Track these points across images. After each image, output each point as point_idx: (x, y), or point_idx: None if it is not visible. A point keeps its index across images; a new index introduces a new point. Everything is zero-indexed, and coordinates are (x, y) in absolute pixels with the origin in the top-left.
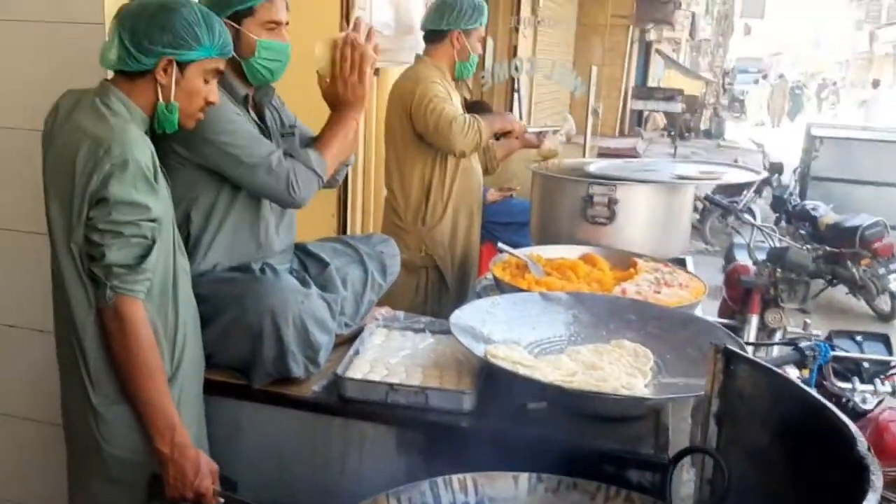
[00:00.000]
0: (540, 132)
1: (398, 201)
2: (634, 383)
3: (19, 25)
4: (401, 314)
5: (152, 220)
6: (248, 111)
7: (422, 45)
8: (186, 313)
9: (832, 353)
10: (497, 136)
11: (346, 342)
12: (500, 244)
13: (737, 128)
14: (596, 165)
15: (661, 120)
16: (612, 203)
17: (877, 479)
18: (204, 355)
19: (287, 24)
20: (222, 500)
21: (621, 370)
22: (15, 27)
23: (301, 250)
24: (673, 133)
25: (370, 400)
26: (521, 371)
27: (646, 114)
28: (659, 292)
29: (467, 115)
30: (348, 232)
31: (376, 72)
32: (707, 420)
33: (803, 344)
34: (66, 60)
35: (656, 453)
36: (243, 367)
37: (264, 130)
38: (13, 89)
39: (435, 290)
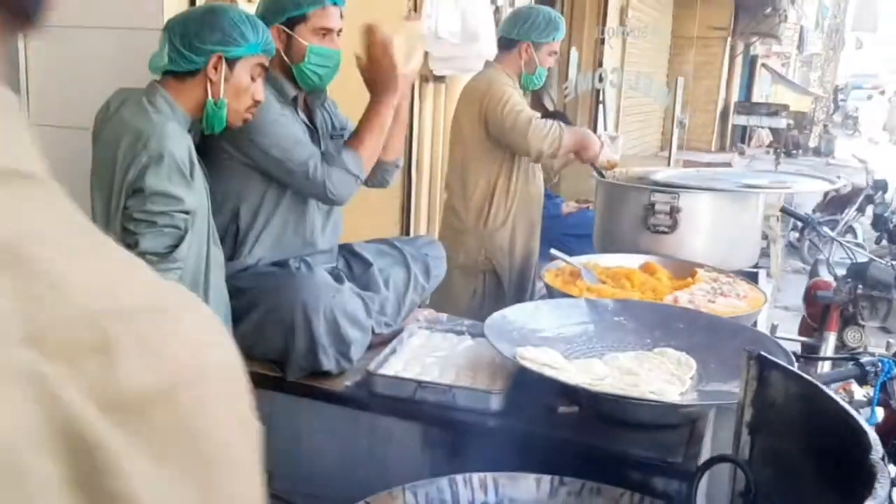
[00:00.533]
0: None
1: (460, 202)
2: (668, 390)
3: (88, 32)
4: (444, 316)
5: (185, 212)
6: (296, 111)
7: (488, 53)
8: (218, 304)
9: None
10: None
11: (386, 342)
12: (552, 250)
13: (849, 145)
14: (662, 174)
15: (767, 137)
16: (674, 211)
17: (881, 488)
18: (240, 347)
19: (340, 31)
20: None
21: (659, 378)
22: (84, 33)
23: (346, 250)
24: (777, 149)
25: (399, 396)
26: (548, 373)
27: (749, 130)
28: (713, 302)
29: (548, 120)
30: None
31: (441, 79)
32: (739, 429)
33: (865, 359)
34: (129, 65)
35: (685, 462)
36: (279, 359)
37: (313, 132)
38: (80, 91)
39: (492, 296)
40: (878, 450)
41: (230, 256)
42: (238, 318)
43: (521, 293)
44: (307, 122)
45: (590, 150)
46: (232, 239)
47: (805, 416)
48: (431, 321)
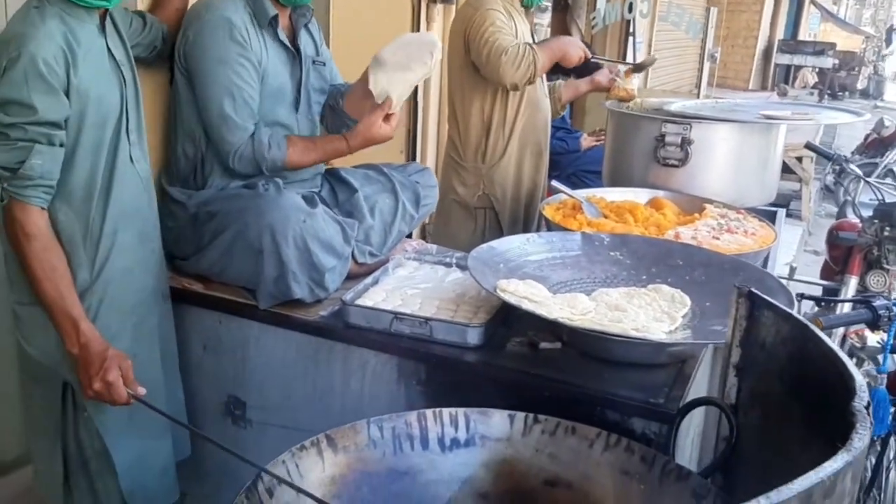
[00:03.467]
0: (611, 68)
1: (458, 136)
2: (653, 327)
3: None
4: (433, 247)
5: (44, 124)
6: (276, 33)
7: None
8: (121, 223)
9: None
10: (569, 73)
11: (371, 272)
12: (553, 182)
13: None
14: (678, 105)
15: (812, 77)
16: (685, 143)
17: (858, 439)
18: (211, 272)
19: None
20: (136, 398)
21: (649, 315)
22: None
23: (332, 175)
24: (822, 90)
25: (374, 328)
26: (526, 306)
27: (794, 70)
28: (717, 238)
29: (521, 45)
30: None
31: None
32: (726, 371)
33: (878, 303)
34: None
35: (667, 404)
36: (250, 285)
37: (294, 56)
38: None
39: (494, 234)
40: (862, 397)
41: (202, 184)
42: (209, 242)
43: (526, 228)
44: (287, 45)
45: (569, 59)
46: (201, 164)
47: (795, 358)
48: (420, 252)
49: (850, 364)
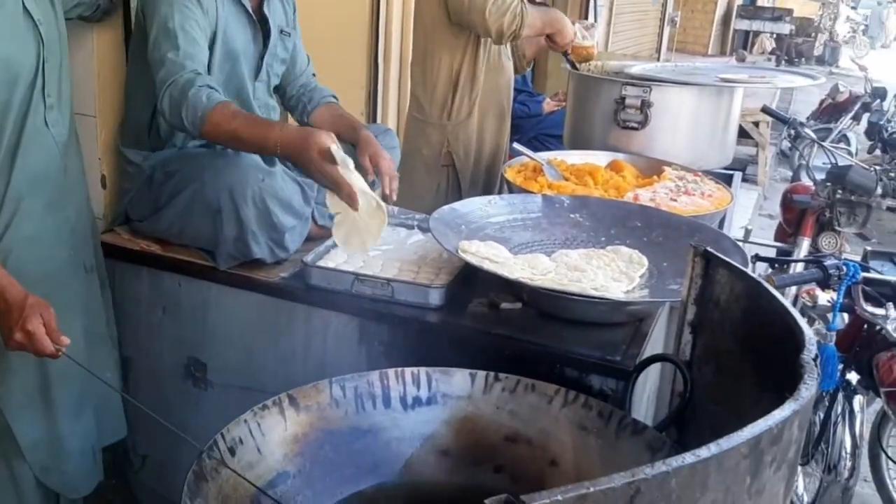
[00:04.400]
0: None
1: (422, 92)
2: (612, 287)
3: None
4: (395, 209)
5: None
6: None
7: None
8: (29, 189)
9: (862, 275)
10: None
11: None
12: (515, 144)
13: (855, 55)
14: (638, 68)
15: (770, 43)
16: (645, 106)
17: (805, 389)
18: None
19: None
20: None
21: (607, 275)
22: None
23: None
24: (779, 56)
25: (335, 289)
26: (488, 266)
27: (752, 36)
28: (675, 200)
29: None
30: None
31: None
32: (681, 328)
33: (828, 262)
34: None
35: (623, 361)
36: (208, 246)
37: (255, 25)
38: None
39: (456, 194)
40: (810, 350)
41: (157, 146)
42: (166, 203)
43: (487, 191)
44: (250, 11)
45: (564, 35)
46: (156, 125)
47: (748, 314)
48: None
49: (800, 319)
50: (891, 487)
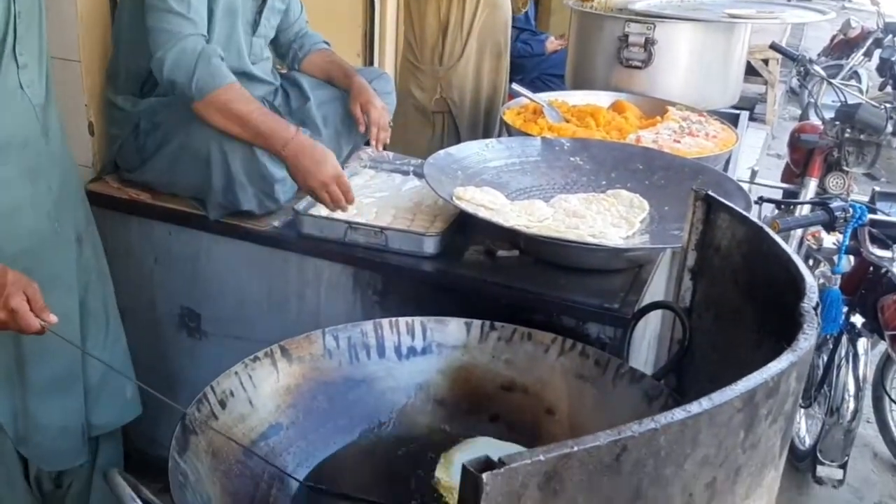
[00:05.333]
0: None
1: (414, 37)
2: (610, 232)
3: None
4: (390, 154)
5: None
6: None
7: None
8: (4, 155)
9: (869, 217)
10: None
11: None
12: (514, 85)
13: None
14: (642, 3)
15: None
16: (649, 44)
17: (804, 339)
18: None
19: None
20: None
21: (606, 220)
22: None
23: (287, 79)
24: None
25: (328, 238)
26: (483, 213)
27: None
28: (678, 142)
29: None
30: None
31: None
32: (681, 274)
33: (834, 204)
34: None
35: (622, 308)
36: (198, 196)
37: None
38: None
39: (452, 140)
40: (811, 298)
41: (148, 92)
42: (154, 153)
43: (487, 134)
44: None
45: None
46: (146, 78)
47: (748, 261)
48: (376, 160)
49: (802, 265)
50: (893, 429)
